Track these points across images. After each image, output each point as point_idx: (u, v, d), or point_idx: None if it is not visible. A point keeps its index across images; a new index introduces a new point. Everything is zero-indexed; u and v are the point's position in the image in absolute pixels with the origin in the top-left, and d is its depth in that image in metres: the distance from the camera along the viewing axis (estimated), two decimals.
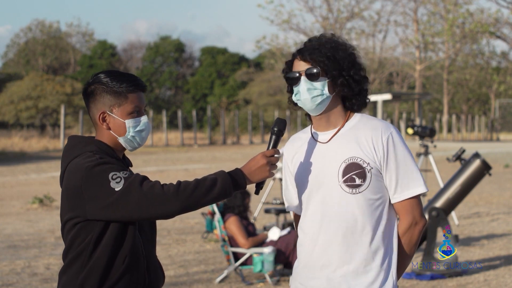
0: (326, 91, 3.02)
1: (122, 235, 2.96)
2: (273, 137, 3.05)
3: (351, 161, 2.99)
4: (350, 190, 2.98)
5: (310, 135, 3.13)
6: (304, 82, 3.03)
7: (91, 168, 2.91)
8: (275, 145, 3.04)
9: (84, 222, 2.95)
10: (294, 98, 3.08)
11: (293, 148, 3.17)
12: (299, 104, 3.07)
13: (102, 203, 2.89)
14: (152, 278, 3.08)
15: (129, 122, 3.07)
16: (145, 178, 2.92)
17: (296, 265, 3.15)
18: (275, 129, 3.05)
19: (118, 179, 2.88)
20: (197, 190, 2.87)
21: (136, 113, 3.08)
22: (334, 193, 3.00)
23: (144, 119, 3.10)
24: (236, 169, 2.97)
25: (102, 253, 2.94)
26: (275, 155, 2.98)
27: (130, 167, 3.21)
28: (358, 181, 2.97)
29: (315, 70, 3.01)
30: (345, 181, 2.98)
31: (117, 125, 3.07)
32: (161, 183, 2.91)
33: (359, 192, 2.98)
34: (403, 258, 3.05)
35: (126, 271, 2.97)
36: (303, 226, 3.11)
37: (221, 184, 2.90)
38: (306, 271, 3.08)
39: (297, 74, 3.05)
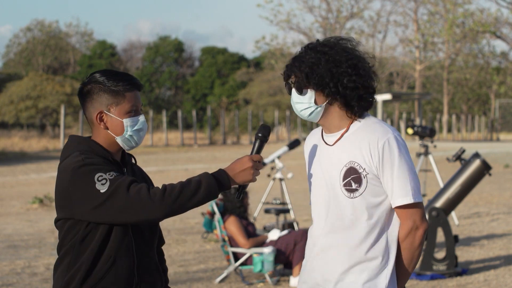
0: (313, 103, 3.02)
1: (108, 235, 2.97)
2: (257, 142, 3.06)
3: (350, 165, 3.00)
4: (349, 194, 3.00)
5: (321, 134, 3.16)
6: (294, 94, 3.06)
7: (76, 169, 2.92)
8: (258, 151, 3.05)
9: (73, 221, 2.98)
10: None
11: (309, 144, 3.21)
12: None
13: (88, 206, 2.90)
14: (144, 280, 3.08)
15: (127, 121, 3.06)
16: (132, 181, 2.91)
17: (303, 264, 3.20)
18: (260, 134, 3.06)
19: (104, 181, 2.88)
20: (182, 194, 2.88)
21: (133, 112, 3.08)
22: (336, 196, 3.03)
23: (141, 118, 3.10)
24: (220, 170, 2.97)
25: (88, 252, 2.97)
26: (260, 161, 2.99)
27: (134, 163, 3.22)
28: (354, 186, 2.99)
29: (298, 84, 3.02)
30: (344, 185, 3.01)
31: (114, 125, 3.07)
32: (147, 186, 2.90)
33: (355, 197, 2.99)
34: (406, 263, 3.05)
35: (109, 271, 2.98)
36: (311, 227, 3.16)
37: (205, 186, 2.90)
38: (309, 267, 3.12)
39: (289, 86, 3.08)
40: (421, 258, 8.21)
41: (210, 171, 3.04)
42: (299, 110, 3.06)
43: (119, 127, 3.07)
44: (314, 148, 3.15)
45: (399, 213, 3.01)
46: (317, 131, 3.21)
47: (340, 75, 2.98)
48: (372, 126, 3.02)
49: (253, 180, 2.98)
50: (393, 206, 3.00)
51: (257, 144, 3.05)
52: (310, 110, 3.03)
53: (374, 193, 2.98)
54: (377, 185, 2.98)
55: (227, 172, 2.96)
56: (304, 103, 3.03)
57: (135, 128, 3.08)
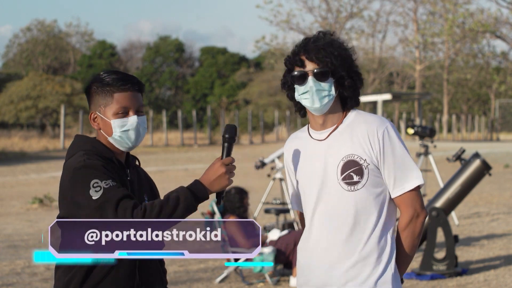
0: (333, 91, 3.02)
1: None
2: (226, 144, 3.02)
3: (349, 158, 3.00)
4: (348, 187, 3.00)
5: (308, 134, 3.14)
6: (312, 82, 3.01)
7: (77, 169, 2.96)
8: (228, 153, 3.01)
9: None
10: (299, 97, 3.06)
11: (291, 147, 3.18)
12: (305, 103, 3.04)
13: (81, 210, 2.93)
14: (145, 279, 3.09)
15: (114, 122, 3.08)
16: (122, 197, 2.90)
17: (300, 263, 3.15)
18: (227, 136, 3.02)
19: (98, 188, 2.91)
20: (162, 214, 2.89)
21: (122, 114, 3.08)
22: (333, 191, 3.02)
23: (131, 119, 3.09)
24: (195, 181, 2.96)
25: None
26: (232, 163, 2.98)
27: (137, 164, 3.24)
28: (355, 178, 2.99)
29: (325, 71, 3.00)
30: (343, 179, 3.00)
31: (104, 125, 3.10)
32: (133, 205, 2.89)
33: (357, 189, 2.99)
34: (408, 251, 3.07)
35: (111, 270, 3.00)
36: (307, 225, 3.12)
37: (184, 202, 2.91)
38: (309, 268, 3.09)
39: (305, 73, 3.02)
40: (421, 258, 8.21)
41: None
42: (318, 98, 3.00)
43: (108, 128, 3.09)
44: (302, 149, 3.12)
45: (400, 201, 3.03)
46: (298, 134, 3.19)
47: (351, 67, 3.03)
48: (366, 118, 3.05)
49: (230, 183, 2.98)
50: (396, 195, 3.02)
51: (226, 146, 3.01)
52: (328, 99, 3.02)
53: (375, 183, 3.00)
54: (378, 176, 3.01)
55: (202, 183, 2.96)
56: (325, 90, 3.02)
57: (123, 129, 3.08)
